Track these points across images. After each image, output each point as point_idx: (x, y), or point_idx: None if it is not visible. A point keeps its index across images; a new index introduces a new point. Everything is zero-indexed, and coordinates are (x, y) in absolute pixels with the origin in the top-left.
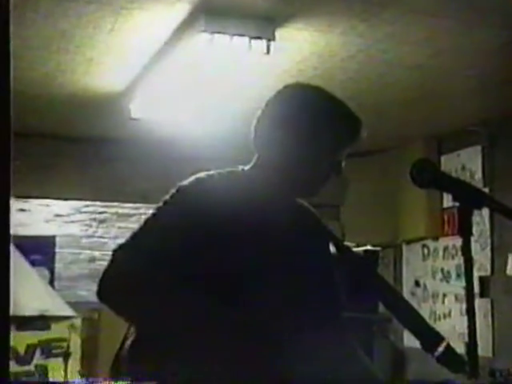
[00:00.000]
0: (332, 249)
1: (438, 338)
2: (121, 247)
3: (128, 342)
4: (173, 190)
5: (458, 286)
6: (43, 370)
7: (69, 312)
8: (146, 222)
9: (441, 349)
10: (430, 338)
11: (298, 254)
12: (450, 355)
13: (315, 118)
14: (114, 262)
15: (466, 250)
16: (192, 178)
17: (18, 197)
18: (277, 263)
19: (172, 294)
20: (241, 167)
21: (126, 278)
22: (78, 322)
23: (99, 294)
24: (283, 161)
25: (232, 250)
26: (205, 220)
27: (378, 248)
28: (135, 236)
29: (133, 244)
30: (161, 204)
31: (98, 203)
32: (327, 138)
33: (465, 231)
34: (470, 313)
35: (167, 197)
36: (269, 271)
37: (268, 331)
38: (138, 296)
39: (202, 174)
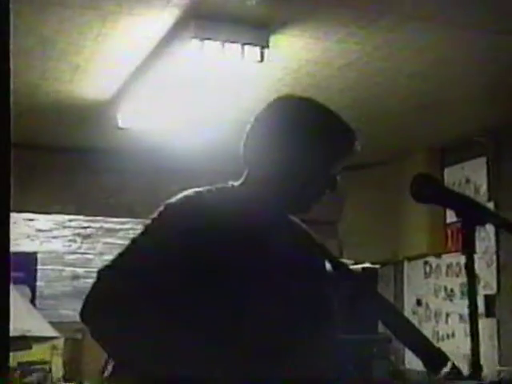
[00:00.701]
0: (327, 266)
1: (443, 358)
2: (107, 267)
3: (109, 368)
4: (160, 208)
5: (462, 305)
6: None
7: (51, 332)
8: (134, 241)
9: (446, 370)
10: (433, 358)
11: (292, 272)
12: (455, 377)
13: (308, 131)
14: (99, 284)
15: (469, 268)
16: (180, 196)
17: None
18: (269, 282)
19: (158, 323)
20: (230, 183)
21: (111, 302)
22: (60, 342)
23: (82, 315)
24: (274, 176)
25: (223, 270)
26: (194, 239)
27: (377, 265)
28: (122, 256)
29: (119, 265)
30: (148, 222)
31: (82, 217)
32: (320, 152)
33: (468, 249)
34: (474, 336)
35: (154, 215)
36: (260, 291)
37: (259, 351)
38: (121, 323)
39: (190, 191)
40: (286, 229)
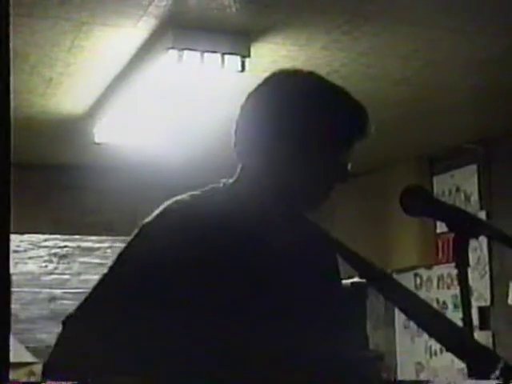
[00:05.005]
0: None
1: (491, 357)
2: (72, 316)
3: None
4: (136, 231)
5: (455, 318)
6: None
7: (28, 358)
8: (104, 277)
9: (496, 373)
10: (478, 358)
11: (297, 273)
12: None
13: (312, 111)
14: (62, 340)
15: (462, 283)
16: (159, 211)
17: None
18: (274, 287)
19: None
20: (222, 181)
21: (79, 359)
22: (38, 368)
23: (45, 373)
24: (273, 169)
25: (217, 296)
26: (181, 265)
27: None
28: (90, 299)
29: (86, 312)
30: (122, 251)
31: (58, 236)
32: (327, 136)
33: (461, 262)
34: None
35: (130, 239)
36: (265, 298)
37: (261, 355)
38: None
39: (171, 203)
40: (287, 228)
